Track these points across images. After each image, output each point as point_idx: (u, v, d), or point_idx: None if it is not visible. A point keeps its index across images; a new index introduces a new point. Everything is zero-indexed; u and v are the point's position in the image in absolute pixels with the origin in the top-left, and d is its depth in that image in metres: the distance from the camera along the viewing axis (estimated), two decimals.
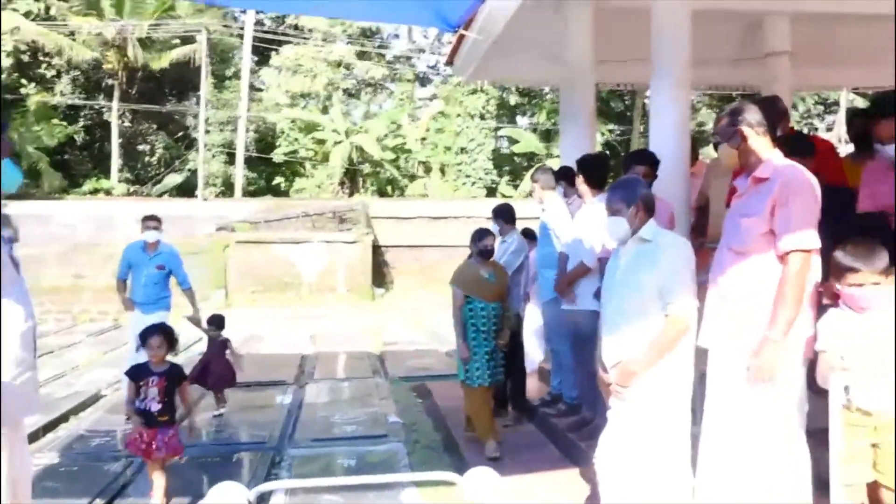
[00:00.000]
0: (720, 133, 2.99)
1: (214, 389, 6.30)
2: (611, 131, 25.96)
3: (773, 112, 3.02)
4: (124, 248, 6.59)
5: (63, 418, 6.27)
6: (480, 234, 5.09)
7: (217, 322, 6.46)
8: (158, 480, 4.12)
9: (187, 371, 6.11)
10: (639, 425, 2.89)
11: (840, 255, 2.52)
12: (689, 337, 2.89)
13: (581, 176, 4.92)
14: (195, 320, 6.44)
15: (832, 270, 2.55)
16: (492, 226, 5.86)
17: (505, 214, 5.86)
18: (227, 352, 6.31)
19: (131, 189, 23.81)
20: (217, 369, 6.23)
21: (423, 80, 32.26)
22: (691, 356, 2.92)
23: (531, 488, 4.20)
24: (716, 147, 3.80)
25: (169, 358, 4.21)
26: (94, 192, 21.87)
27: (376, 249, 16.54)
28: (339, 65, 27.13)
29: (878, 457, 2.47)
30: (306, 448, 5.32)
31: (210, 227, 16.51)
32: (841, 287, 2.52)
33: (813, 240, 2.69)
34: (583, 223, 4.88)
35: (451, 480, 3.31)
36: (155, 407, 4.01)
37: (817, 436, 2.75)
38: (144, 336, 4.16)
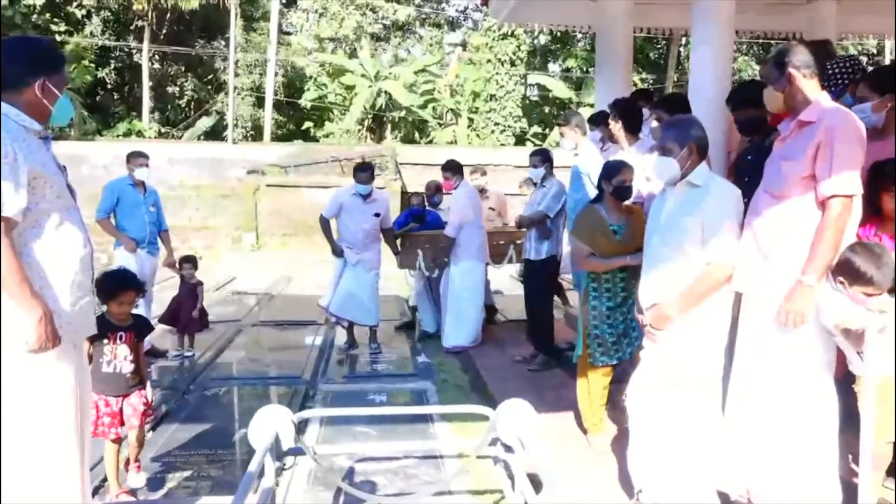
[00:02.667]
0: (766, 76, 2.92)
1: (185, 332, 6.32)
2: (644, 80, 25.37)
3: (823, 55, 2.94)
4: (108, 184, 6.11)
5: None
6: (615, 168, 3.87)
7: (193, 262, 6.47)
8: (133, 453, 3.58)
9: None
10: (669, 368, 2.92)
11: (856, 261, 2.52)
12: (728, 285, 2.88)
13: (617, 121, 4.87)
14: (171, 263, 6.41)
15: (841, 268, 2.55)
16: (532, 171, 5.86)
17: (549, 160, 5.86)
18: (198, 295, 6.31)
19: (162, 131, 23.99)
20: (188, 311, 6.24)
21: (452, 25, 31.67)
22: (729, 304, 2.92)
23: (560, 427, 4.30)
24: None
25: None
26: (127, 133, 22.07)
27: (404, 195, 16.57)
28: (366, 7, 26.69)
29: None
30: (338, 384, 5.49)
31: (240, 171, 16.62)
32: (850, 289, 2.53)
33: (855, 185, 2.65)
34: None
35: (483, 414, 3.40)
36: (127, 368, 3.43)
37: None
38: (112, 289, 3.45)
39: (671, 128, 3.05)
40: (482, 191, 7.52)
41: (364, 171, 6.35)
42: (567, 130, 5.50)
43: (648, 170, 3.22)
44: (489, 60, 23.76)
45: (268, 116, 24.04)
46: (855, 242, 2.61)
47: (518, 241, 6.90)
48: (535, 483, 3.03)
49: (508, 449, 3.13)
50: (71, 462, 2.45)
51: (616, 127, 4.83)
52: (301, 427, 3.62)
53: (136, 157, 6.05)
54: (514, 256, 7.11)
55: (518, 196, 8.41)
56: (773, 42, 15.71)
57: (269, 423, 2.75)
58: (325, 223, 6.44)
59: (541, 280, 5.79)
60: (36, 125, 2.41)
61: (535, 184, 6.01)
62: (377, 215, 6.36)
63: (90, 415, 2.64)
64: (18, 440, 2.36)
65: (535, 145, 22.35)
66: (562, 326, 6.24)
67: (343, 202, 6.32)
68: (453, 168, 6.61)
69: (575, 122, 5.48)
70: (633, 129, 4.77)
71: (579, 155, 5.42)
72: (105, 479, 3.67)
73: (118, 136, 21.75)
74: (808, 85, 2.79)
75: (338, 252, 6.35)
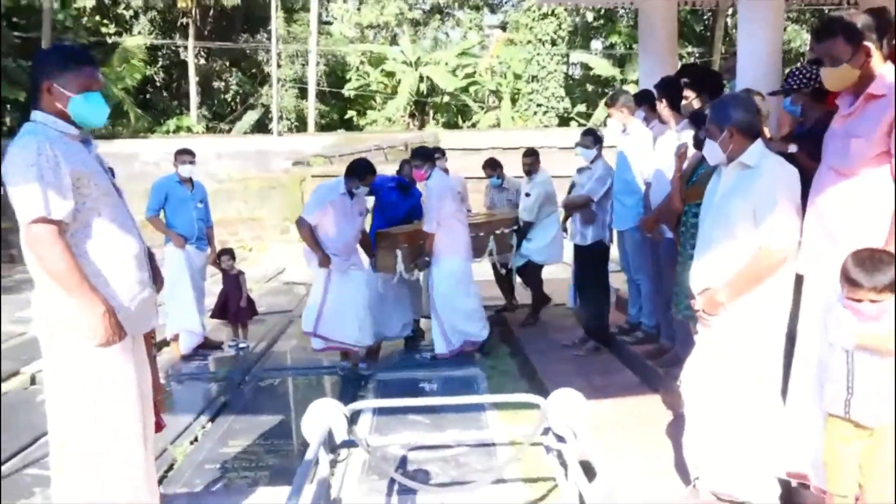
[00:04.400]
0: (831, 52, 2.65)
1: (237, 322, 6.49)
2: (690, 54, 24.71)
3: (884, 25, 2.73)
4: (157, 182, 6.22)
5: (164, 343, 6.68)
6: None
7: (231, 254, 6.58)
8: None
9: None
10: (723, 355, 2.84)
11: (847, 262, 2.36)
12: (787, 267, 2.76)
13: (663, 100, 4.76)
14: (212, 260, 6.45)
15: (840, 275, 2.39)
16: (581, 151, 5.75)
17: (600, 141, 5.66)
18: (243, 284, 6.44)
19: (210, 126, 24.48)
20: (236, 302, 6.40)
21: (492, 7, 31.35)
22: (789, 287, 2.80)
23: (612, 413, 4.26)
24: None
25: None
26: (177, 130, 22.59)
27: None
28: None
29: (866, 468, 2.37)
30: (389, 372, 5.55)
31: (285, 162, 16.87)
32: (845, 295, 2.36)
33: None
34: (665, 152, 4.72)
35: (534, 403, 3.39)
36: None
37: None
38: None
39: (713, 109, 2.95)
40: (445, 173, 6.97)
41: (363, 167, 5.48)
42: (614, 111, 5.38)
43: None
44: (530, 41, 23.48)
45: (311, 107, 24.29)
46: (860, 248, 2.43)
47: (498, 232, 6.47)
48: (588, 471, 3.01)
49: (560, 439, 3.12)
50: (136, 453, 2.54)
51: (661, 106, 4.72)
52: (353, 418, 3.68)
53: (181, 155, 6.16)
54: (494, 249, 6.50)
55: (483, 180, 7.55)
56: (824, 8, 15.08)
57: (322, 416, 2.80)
58: (309, 228, 5.37)
59: (590, 265, 5.68)
60: (72, 129, 2.44)
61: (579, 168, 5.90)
62: (362, 214, 5.68)
63: (151, 408, 2.71)
64: (86, 434, 2.45)
65: (580, 125, 22.03)
66: (612, 311, 6.13)
67: (332, 202, 5.40)
68: (423, 155, 5.80)
69: (622, 101, 5.34)
70: (678, 108, 4.64)
71: (629, 135, 5.30)
72: (170, 468, 3.81)
73: (168, 132, 22.29)
74: (875, 56, 2.61)
75: (326, 262, 5.39)
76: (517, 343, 6.20)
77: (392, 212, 6.24)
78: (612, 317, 5.94)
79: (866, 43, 2.60)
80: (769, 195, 2.72)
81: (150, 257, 2.74)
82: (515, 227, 6.64)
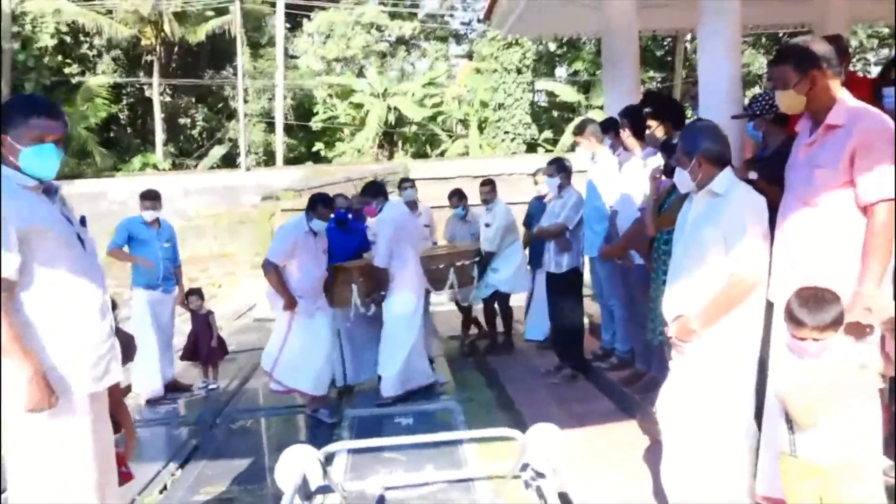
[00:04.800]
0: (781, 77, 2.73)
1: (208, 363, 6.38)
2: (651, 78, 25.25)
3: (839, 51, 2.79)
4: (121, 223, 6.10)
5: (129, 388, 6.51)
6: None
7: (199, 294, 6.48)
8: None
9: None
10: (697, 382, 2.84)
11: (791, 301, 2.36)
12: (758, 293, 2.78)
13: (627, 128, 4.83)
14: (180, 301, 6.31)
15: (785, 314, 2.38)
16: (548, 181, 5.79)
17: (565, 169, 5.72)
18: (211, 324, 6.37)
19: (177, 162, 24.26)
20: (206, 343, 6.30)
21: (457, 38, 31.79)
22: (760, 314, 2.81)
23: (590, 442, 4.23)
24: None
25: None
26: (143, 167, 22.34)
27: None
28: (371, 27, 26.86)
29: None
30: (363, 409, 5.45)
31: (254, 197, 16.75)
32: (790, 333, 2.36)
33: None
34: (630, 178, 4.78)
35: (511, 436, 3.35)
36: None
37: None
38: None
39: (682, 138, 2.99)
40: (412, 205, 6.85)
41: (322, 202, 5.25)
42: (582, 139, 5.46)
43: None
44: (496, 70, 23.78)
45: (279, 141, 24.23)
46: (804, 287, 2.42)
47: (458, 264, 6.29)
48: (566, 501, 2.97)
49: (539, 474, 3.07)
50: None
51: (625, 135, 4.79)
52: (329, 459, 3.59)
53: (144, 199, 6.04)
54: (455, 282, 6.27)
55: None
56: (780, 34, 15.56)
57: (296, 464, 2.72)
58: (276, 270, 5.10)
59: (566, 293, 5.68)
60: (29, 181, 2.39)
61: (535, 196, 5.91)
62: (325, 252, 5.43)
63: (113, 463, 2.61)
64: (38, 493, 2.36)
65: (547, 151, 22.27)
66: (587, 337, 6.13)
67: (297, 240, 5.14)
68: (374, 191, 5.56)
69: (590, 130, 5.42)
70: (641, 136, 4.71)
71: (597, 163, 5.36)
72: None
73: (134, 170, 22.02)
74: (831, 84, 2.66)
75: (292, 305, 5.15)
76: (492, 373, 6.16)
77: (339, 252, 5.86)
78: (586, 343, 5.94)
79: (815, 70, 2.64)
80: (738, 223, 2.74)
81: (116, 330, 2.66)
82: (477, 259, 6.51)
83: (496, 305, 7.02)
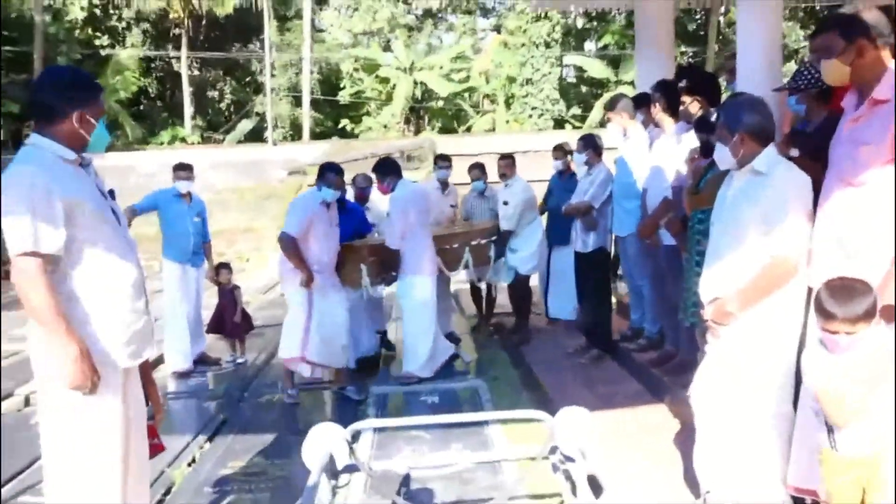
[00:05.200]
0: (825, 46, 2.60)
1: (233, 337, 6.40)
2: (683, 53, 24.70)
3: (892, 21, 2.64)
4: (153, 192, 6.18)
5: (160, 360, 6.59)
6: None
7: (228, 268, 6.50)
8: None
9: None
10: (733, 366, 2.76)
11: (820, 293, 2.24)
12: (799, 276, 2.67)
13: (659, 103, 4.69)
14: (209, 276, 6.35)
15: (814, 306, 2.27)
16: (576, 156, 5.70)
17: (594, 145, 5.60)
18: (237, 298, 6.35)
19: (205, 136, 24.43)
20: (231, 317, 6.31)
21: (484, 12, 31.37)
22: (802, 296, 2.71)
23: (618, 424, 4.18)
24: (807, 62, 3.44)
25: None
26: (171, 140, 22.53)
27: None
28: (398, 0, 26.60)
29: (869, 492, 2.25)
30: (390, 386, 5.46)
31: (281, 171, 16.80)
32: (820, 326, 2.25)
33: None
34: (661, 156, 4.66)
35: (539, 419, 3.32)
36: None
37: None
38: None
39: (724, 112, 2.87)
40: (444, 184, 6.83)
41: (333, 171, 5.14)
42: (613, 115, 5.33)
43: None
44: (524, 44, 23.46)
45: (306, 115, 24.24)
46: (834, 277, 2.31)
47: (474, 243, 6.13)
48: (596, 486, 2.94)
49: (568, 458, 3.04)
50: (115, 490, 2.45)
51: (656, 110, 4.66)
52: (355, 437, 3.59)
53: (178, 170, 6.10)
54: (471, 261, 6.15)
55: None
56: (818, 6, 15.04)
57: (322, 442, 2.72)
58: (294, 244, 4.94)
59: (592, 272, 5.60)
60: (71, 154, 2.40)
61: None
62: (338, 225, 5.29)
63: (145, 436, 2.64)
64: (69, 467, 2.40)
65: (575, 128, 22.01)
66: (615, 317, 6.05)
67: (313, 213, 5.01)
68: (385, 168, 5.47)
69: (621, 106, 5.28)
70: (674, 111, 4.58)
71: (629, 139, 5.24)
72: (168, 492, 3.72)
73: (162, 143, 22.22)
74: (881, 56, 2.52)
75: (310, 281, 4.98)
76: (518, 352, 6.12)
77: (340, 232, 5.68)
78: (614, 323, 5.87)
79: (863, 40, 2.51)
80: (780, 203, 2.63)
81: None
82: (494, 238, 6.31)
83: (514, 289, 6.72)
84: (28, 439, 4.30)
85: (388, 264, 5.46)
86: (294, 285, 5.05)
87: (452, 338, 6.41)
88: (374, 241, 5.79)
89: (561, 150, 6.62)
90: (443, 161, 6.89)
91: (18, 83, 17.85)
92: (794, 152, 3.02)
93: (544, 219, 6.69)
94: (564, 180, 6.54)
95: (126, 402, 2.48)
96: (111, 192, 2.68)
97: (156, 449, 2.82)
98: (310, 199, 5.11)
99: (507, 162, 6.56)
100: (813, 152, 2.96)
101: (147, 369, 2.75)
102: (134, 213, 5.89)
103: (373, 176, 5.82)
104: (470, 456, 3.67)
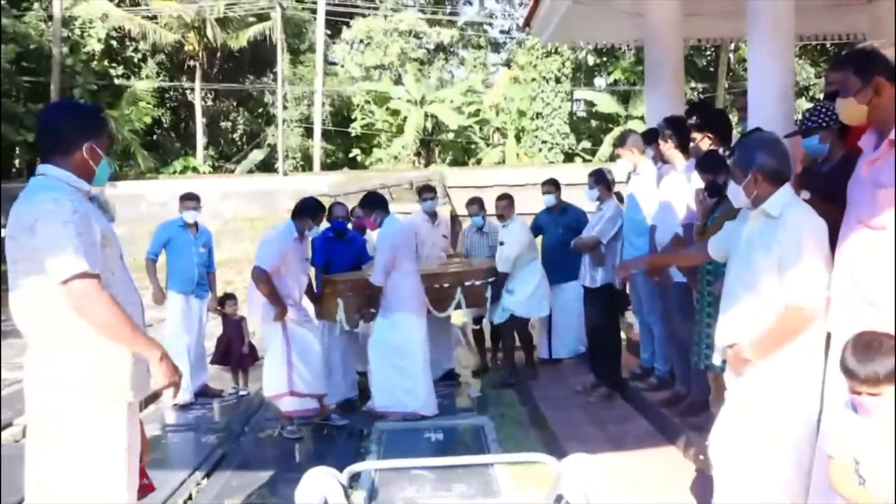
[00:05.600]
0: (842, 84, 2.53)
1: (238, 369, 6.34)
2: (693, 89, 24.81)
3: None
4: (160, 226, 6.21)
5: (158, 394, 6.49)
6: None
7: (233, 298, 6.46)
8: None
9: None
10: (754, 414, 2.63)
11: (845, 349, 2.12)
12: (819, 323, 2.56)
13: (670, 140, 4.64)
14: (213, 307, 6.31)
15: (840, 364, 2.14)
16: (589, 192, 5.63)
17: (605, 180, 5.54)
18: (244, 330, 6.32)
19: (216, 165, 24.62)
20: (238, 348, 6.26)
21: (495, 46, 31.72)
22: (821, 344, 2.59)
23: (628, 468, 4.05)
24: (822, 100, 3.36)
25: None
26: (183, 170, 22.70)
27: (454, 219, 16.48)
28: (410, 34, 26.94)
29: None
30: (394, 422, 5.34)
31: (291, 202, 16.75)
32: (848, 387, 2.12)
33: None
34: (671, 192, 4.59)
35: (544, 462, 3.20)
36: None
37: None
38: None
39: (738, 151, 2.78)
40: (433, 215, 6.68)
41: (321, 208, 5.23)
42: (623, 151, 5.28)
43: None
44: (534, 79, 23.65)
45: (317, 146, 24.41)
46: (861, 332, 2.18)
47: (468, 283, 5.88)
48: None
49: None
50: None
51: (667, 147, 4.59)
52: (354, 477, 3.49)
53: (185, 200, 6.11)
54: (462, 302, 5.89)
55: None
56: (829, 44, 15.11)
57: (316, 488, 2.62)
58: (269, 279, 4.87)
59: (601, 308, 5.51)
60: (85, 185, 2.45)
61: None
62: (307, 259, 5.31)
63: (136, 479, 2.55)
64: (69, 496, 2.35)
65: (585, 161, 22.04)
66: (625, 355, 5.93)
67: (288, 249, 4.98)
68: (372, 203, 5.39)
69: (631, 141, 5.24)
70: (684, 148, 4.53)
71: (639, 175, 5.19)
72: None
73: (174, 172, 22.39)
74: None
75: (284, 314, 4.95)
76: (525, 389, 6.00)
77: (337, 262, 5.91)
78: (624, 360, 5.75)
79: (880, 78, 2.43)
80: (794, 248, 2.52)
81: None
82: (491, 279, 5.99)
83: (515, 333, 6.30)
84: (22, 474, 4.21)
85: (369, 300, 5.33)
86: (268, 321, 5.01)
87: (452, 375, 6.29)
88: (357, 275, 5.69)
89: (552, 185, 6.50)
90: (427, 192, 6.72)
91: (35, 113, 18.09)
92: (805, 194, 2.93)
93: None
94: (555, 215, 6.47)
95: (130, 440, 2.44)
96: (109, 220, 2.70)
97: (146, 489, 2.73)
98: (284, 234, 5.06)
99: (505, 203, 6.24)
100: (827, 193, 2.88)
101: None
102: (154, 261, 6.03)
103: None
104: (473, 501, 3.55)
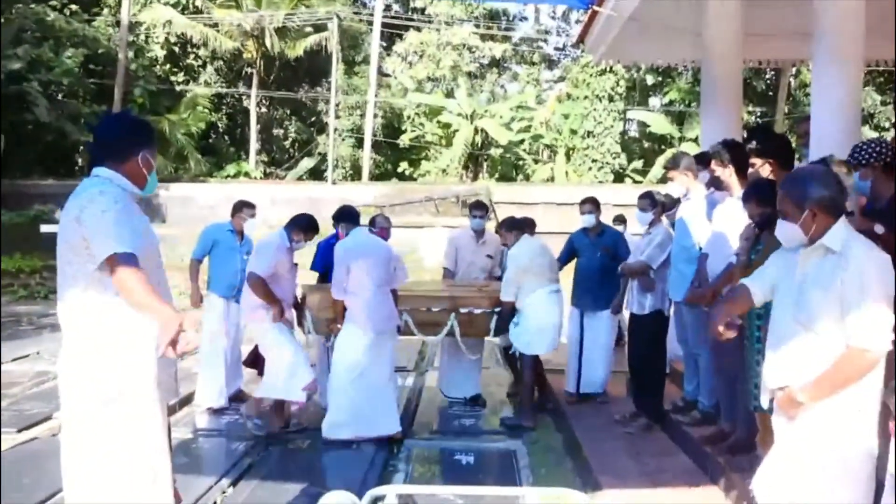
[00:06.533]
0: None
1: None
2: (751, 112, 24.21)
3: None
4: (207, 228, 6.27)
5: (191, 398, 6.42)
6: None
7: None
8: None
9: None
10: (803, 462, 2.44)
11: None
12: (880, 367, 2.38)
13: (729, 164, 4.40)
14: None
15: None
16: (639, 215, 5.43)
17: (658, 204, 5.31)
18: None
19: (267, 171, 25.06)
20: None
21: (549, 63, 31.58)
22: (879, 385, 2.40)
23: (666, 500, 3.85)
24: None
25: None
26: (236, 175, 23.16)
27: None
28: (463, 47, 27.03)
29: None
30: (424, 441, 5.24)
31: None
32: None
33: None
34: (726, 220, 4.37)
35: (577, 500, 3.05)
36: None
37: None
38: None
39: (788, 185, 2.57)
40: (480, 234, 6.47)
41: (314, 228, 5.47)
42: (676, 174, 5.03)
43: None
44: (587, 97, 23.43)
45: (366, 157, 24.61)
46: None
47: (463, 311, 5.60)
48: None
49: None
50: None
51: (724, 172, 4.36)
52: (377, 500, 3.38)
53: (245, 208, 6.15)
54: (456, 329, 5.61)
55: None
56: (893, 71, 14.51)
57: None
58: (263, 282, 5.15)
59: (647, 335, 5.31)
60: (137, 190, 2.62)
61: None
62: (296, 265, 5.52)
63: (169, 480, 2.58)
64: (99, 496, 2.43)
65: (635, 182, 21.68)
66: (668, 385, 5.70)
67: (282, 256, 5.28)
68: (342, 216, 5.51)
69: (685, 164, 4.98)
70: (742, 173, 4.30)
71: (690, 200, 4.98)
72: None
73: (227, 176, 22.85)
74: None
75: (281, 315, 5.26)
76: (562, 415, 5.82)
77: None
78: (667, 391, 5.53)
79: None
80: (858, 287, 2.33)
81: None
82: (497, 309, 5.61)
83: (519, 366, 5.88)
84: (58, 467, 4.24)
85: (338, 314, 5.32)
86: (265, 323, 5.24)
87: (479, 400, 6.12)
88: (326, 287, 5.54)
89: (592, 204, 6.08)
90: (478, 210, 6.47)
91: (98, 114, 18.70)
92: (880, 228, 2.73)
93: (569, 283, 6.01)
94: (593, 237, 6.07)
95: (159, 440, 2.51)
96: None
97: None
98: (278, 243, 5.31)
99: (503, 230, 5.85)
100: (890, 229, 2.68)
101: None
102: (199, 262, 6.17)
103: (390, 218, 5.88)
104: None
